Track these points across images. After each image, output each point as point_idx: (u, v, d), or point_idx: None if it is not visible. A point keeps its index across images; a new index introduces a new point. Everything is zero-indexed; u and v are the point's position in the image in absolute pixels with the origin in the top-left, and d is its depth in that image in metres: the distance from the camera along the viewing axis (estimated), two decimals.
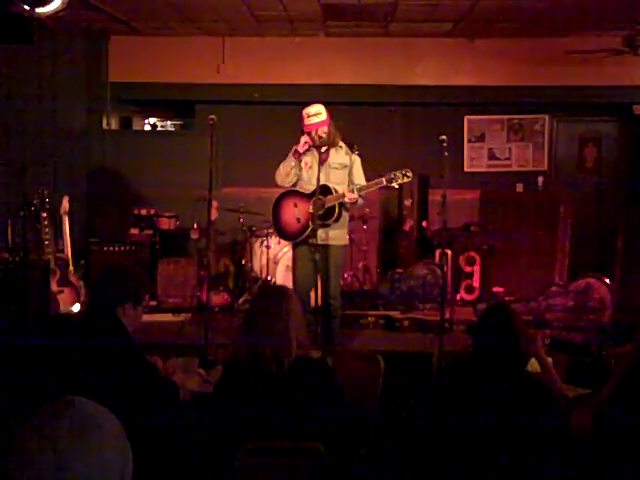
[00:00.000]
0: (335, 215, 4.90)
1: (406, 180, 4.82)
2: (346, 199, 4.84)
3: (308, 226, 4.95)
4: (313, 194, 4.89)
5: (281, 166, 5.07)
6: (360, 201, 4.95)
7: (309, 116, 4.90)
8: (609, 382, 2.39)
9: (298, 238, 5.06)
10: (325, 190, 4.88)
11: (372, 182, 4.90)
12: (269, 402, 2.56)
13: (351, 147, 5.04)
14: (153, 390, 2.62)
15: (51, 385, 2.57)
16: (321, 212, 4.85)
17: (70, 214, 5.54)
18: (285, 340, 2.60)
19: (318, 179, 4.77)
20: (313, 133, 4.90)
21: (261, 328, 2.62)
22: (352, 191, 4.82)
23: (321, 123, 4.89)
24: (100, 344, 2.62)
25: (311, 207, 4.90)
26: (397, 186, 4.87)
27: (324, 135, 4.90)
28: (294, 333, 2.62)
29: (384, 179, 4.81)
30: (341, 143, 5.02)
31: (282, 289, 2.97)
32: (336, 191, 4.88)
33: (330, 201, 4.87)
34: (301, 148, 4.96)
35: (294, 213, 5.05)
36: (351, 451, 2.75)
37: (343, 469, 2.59)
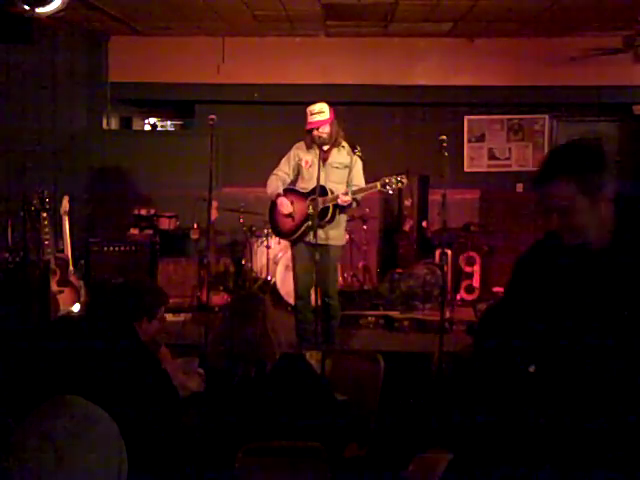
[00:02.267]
0: (329, 216, 4.92)
1: (400, 186, 4.85)
2: (339, 201, 4.86)
3: (302, 225, 4.99)
4: (310, 193, 4.92)
5: (269, 183, 5.14)
6: (354, 204, 4.99)
7: (312, 114, 4.93)
8: None
9: (291, 236, 5.10)
10: (321, 190, 4.90)
11: (366, 186, 4.95)
12: (255, 405, 2.58)
13: (353, 148, 5.05)
14: (161, 394, 2.64)
15: (51, 385, 2.58)
16: (316, 212, 4.86)
17: (70, 214, 5.53)
18: (267, 343, 2.64)
19: (318, 178, 4.78)
20: (315, 131, 4.92)
21: (240, 334, 2.64)
22: (346, 194, 4.85)
23: (323, 122, 4.91)
24: (115, 352, 2.64)
25: (307, 206, 4.94)
26: (391, 192, 4.91)
27: (324, 134, 4.91)
28: (274, 335, 2.66)
29: (378, 184, 4.84)
30: (344, 143, 5.04)
31: (255, 295, 3.02)
32: (332, 192, 4.90)
33: (325, 202, 4.89)
34: (282, 208, 5.03)
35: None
36: (343, 445, 2.76)
37: (343, 469, 2.60)
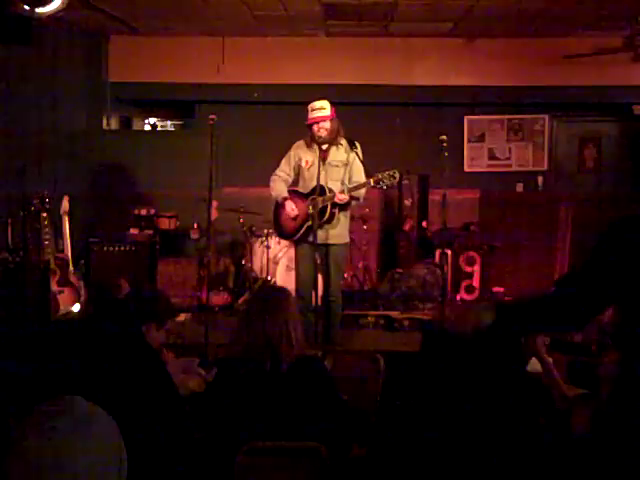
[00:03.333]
0: (326, 215, 4.93)
1: (393, 181, 4.84)
2: (336, 199, 4.87)
3: (302, 225, 5.01)
4: (310, 193, 4.95)
5: (272, 185, 5.17)
6: (353, 202, 4.99)
7: (313, 109, 4.95)
8: (606, 383, 2.39)
9: (293, 237, 5.15)
10: (321, 190, 4.91)
11: (360, 183, 4.95)
12: (263, 400, 2.57)
13: (351, 143, 5.04)
14: (163, 395, 2.64)
15: (52, 384, 2.57)
16: (315, 212, 4.88)
17: (70, 214, 5.54)
18: (285, 339, 2.62)
19: (318, 178, 4.79)
20: (315, 126, 4.93)
21: (260, 326, 2.63)
22: (342, 192, 4.86)
23: (323, 117, 4.92)
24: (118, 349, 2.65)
25: (307, 207, 4.95)
26: (385, 187, 4.91)
27: (325, 130, 4.91)
28: (293, 332, 2.64)
29: (372, 180, 4.85)
30: (342, 140, 5.05)
31: (281, 289, 3.00)
32: (331, 191, 4.91)
33: (323, 201, 4.90)
34: (288, 211, 5.05)
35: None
36: (349, 449, 2.76)
37: (343, 469, 2.60)
